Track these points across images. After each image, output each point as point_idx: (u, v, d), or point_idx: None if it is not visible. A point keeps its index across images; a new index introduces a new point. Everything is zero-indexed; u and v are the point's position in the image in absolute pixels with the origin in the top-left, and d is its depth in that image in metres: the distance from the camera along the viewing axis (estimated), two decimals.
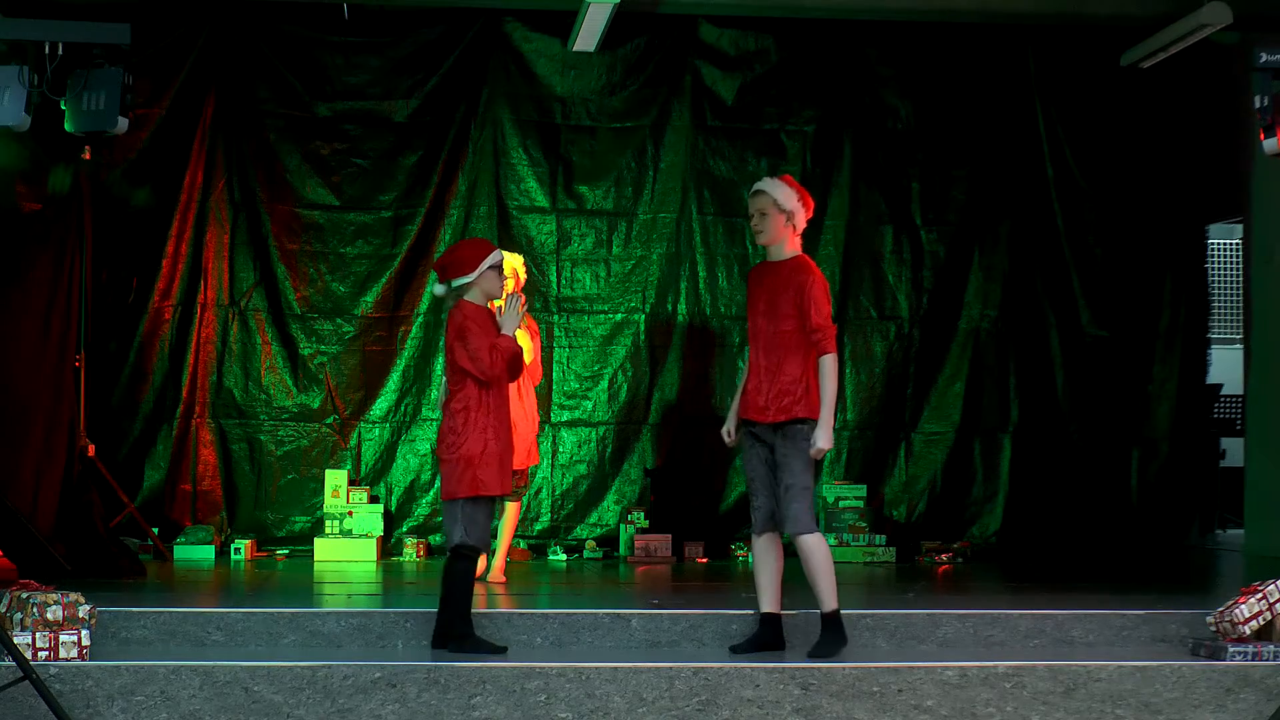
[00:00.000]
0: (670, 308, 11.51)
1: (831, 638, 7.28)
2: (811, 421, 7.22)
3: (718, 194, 11.53)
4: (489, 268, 7.33)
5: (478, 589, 8.08)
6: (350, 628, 7.42)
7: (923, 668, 6.96)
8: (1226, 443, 12.77)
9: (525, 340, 9.04)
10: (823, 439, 7.19)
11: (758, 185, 7.52)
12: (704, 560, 10.96)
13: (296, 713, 6.63)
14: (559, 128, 11.44)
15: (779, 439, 7.25)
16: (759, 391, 7.34)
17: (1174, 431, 11.77)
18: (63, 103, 7.50)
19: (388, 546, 10.96)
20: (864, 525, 10.98)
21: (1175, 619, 7.71)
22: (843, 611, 7.37)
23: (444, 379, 7.49)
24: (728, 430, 7.55)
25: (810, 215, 7.51)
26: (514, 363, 7.36)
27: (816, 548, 7.19)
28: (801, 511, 7.18)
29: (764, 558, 7.39)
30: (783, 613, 7.43)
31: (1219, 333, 13.09)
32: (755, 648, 7.35)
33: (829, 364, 7.24)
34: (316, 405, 11.19)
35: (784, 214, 7.39)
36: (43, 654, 6.61)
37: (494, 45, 11.35)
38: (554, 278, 11.42)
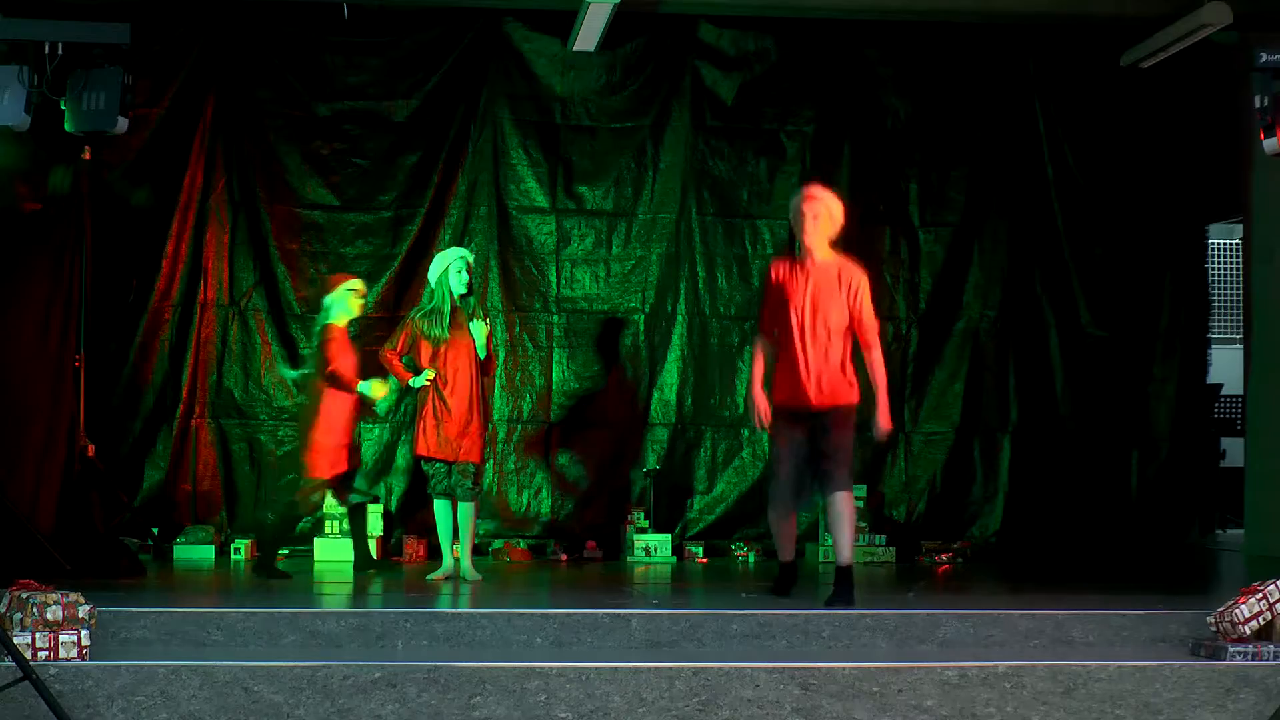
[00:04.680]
0: (670, 308, 11.51)
1: (849, 587, 8.01)
2: (857, 405, 8.16)
3: (717, 194, 11.53)
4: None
5: (468, 589, 8.92)
6: (350, 628, 7.41)
7: (923, 668, 6.96)
8: (1226, 443, 12.76)
9: (482, 333, 9.28)
10: (884, 421, 8.22)
11: (815, 191, 8.20)
12: (704, 560, 10.96)
13: (296, 713, 6.63)
14: (559, 128, 11.44)
15: (829, 421, 8.06)
16: (807, 380, 8.06)
17: (1174, 431, 11.78)
18: (63, 103, 7.52)
19: (388, 546, 10.95)
20: (864, 525, 10.97)
21: (1175, 619, 7.71)
22: (843, 612, 7.57)
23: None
24: (760, 417, 8.26)
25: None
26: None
27: (850, 501, 8.12)
28: (847, 474, 8.14)
29: (786, 527, 8.36)
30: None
31: (1219, 333, 13.09)
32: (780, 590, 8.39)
33: (880, 358, 8.21)
34: None
35: (836, 225, 8.14)
36: (42, 654, 6.60)
37: (494, 45, 11.35)
38: (554, 278, 11.42)
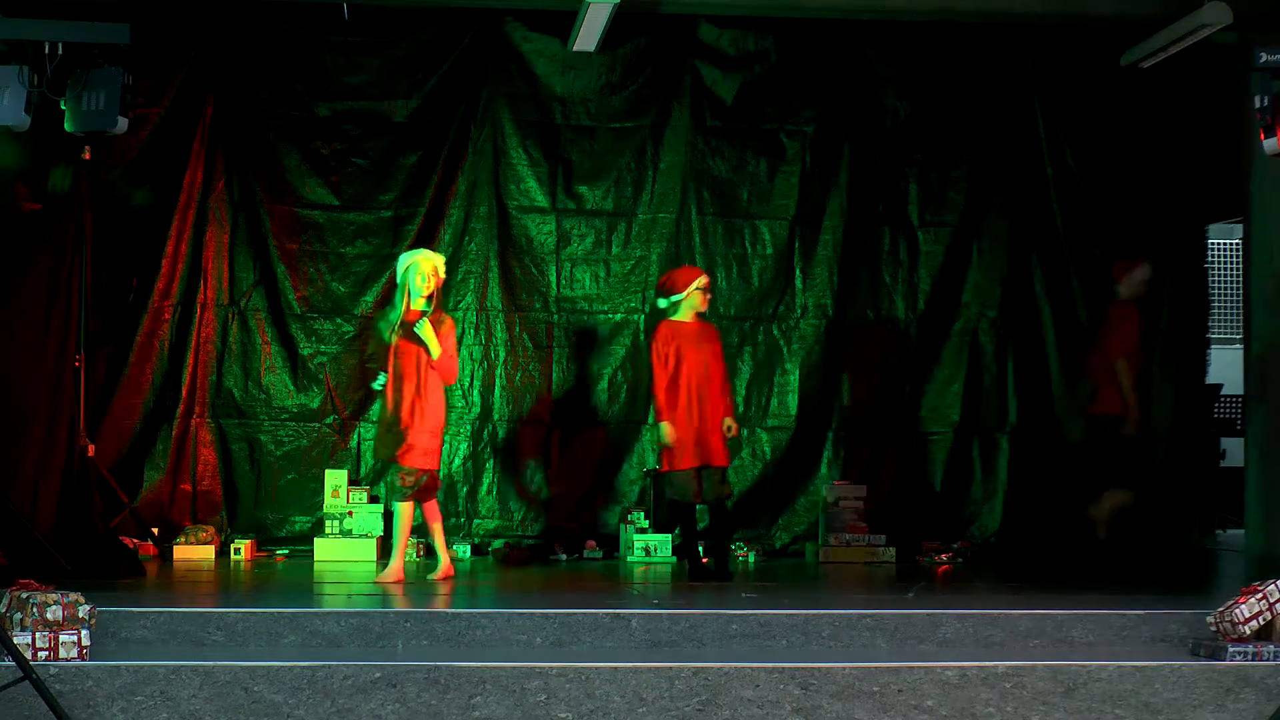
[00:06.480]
0: None
1: None
2: None
3: (717, 194, 11.53)
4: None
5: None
6: (350, 628, 7.42)
7: (923, 668, 6.97)
8: (1226, 443, 12.74)
9: (433, 339, 9.21)
10: None
11: None
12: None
13: (296, 713, 6.63)
14: (559, 128, 11.44)
15: None
16: None
17: (1173, 431, 11.77)
18: (63, 103, 7.51)
19: (388, 546, 10.95)
20: (864, 525, 10.97)
21: (1175, 619, 7.72)
22: (843, 612, 7.59)
23: None
24: None
25: None
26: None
27: None
28: None
29: None
30: None
31: (1219, 333, 13.08)
32: None
33: None
34: (316, 405, 11.20)
35: None
36: (43, 654, 6.61)
37: (494, 45, 11.35)
38: (553, 278, 11.42)
